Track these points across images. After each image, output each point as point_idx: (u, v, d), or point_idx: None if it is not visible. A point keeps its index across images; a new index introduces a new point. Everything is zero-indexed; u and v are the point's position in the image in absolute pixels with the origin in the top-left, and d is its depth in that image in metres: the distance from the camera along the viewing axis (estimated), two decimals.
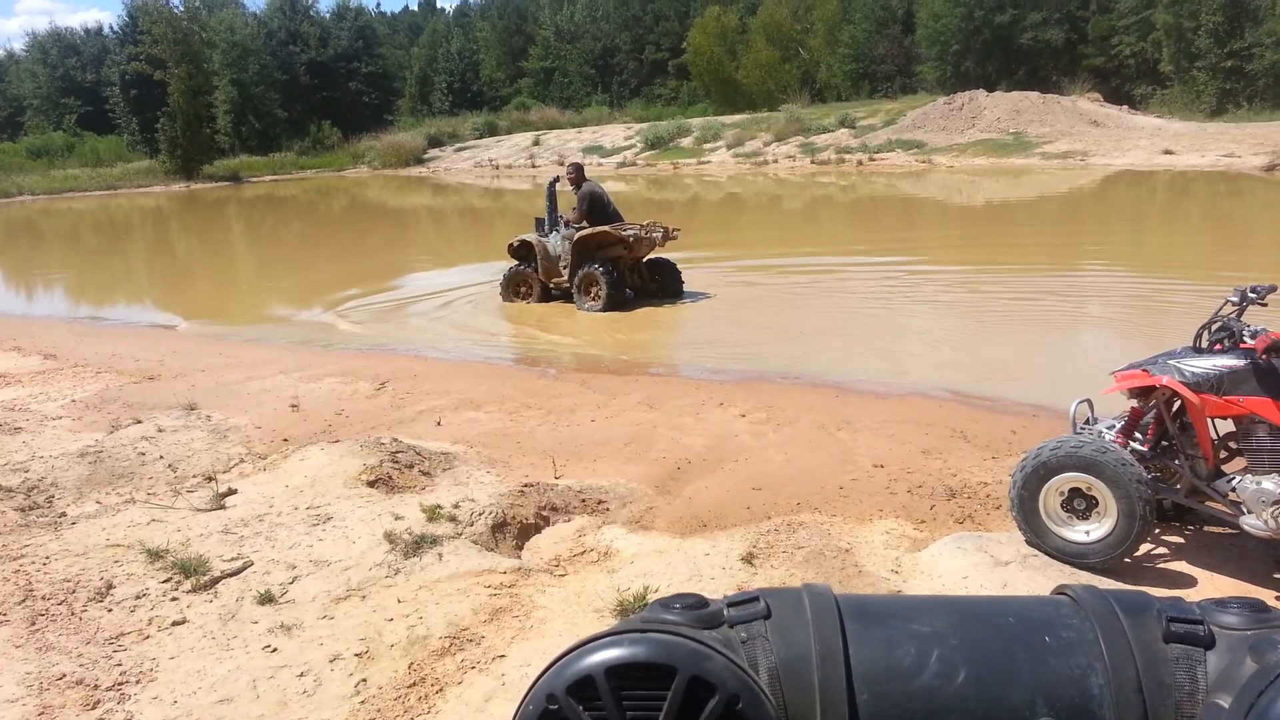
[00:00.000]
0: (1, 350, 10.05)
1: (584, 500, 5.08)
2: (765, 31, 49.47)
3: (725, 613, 0.63)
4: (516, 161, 41.06)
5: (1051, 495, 4.00)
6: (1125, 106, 34.33)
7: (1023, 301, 10.58)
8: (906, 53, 47.57)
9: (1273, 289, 3.97)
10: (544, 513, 4.93)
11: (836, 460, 5.51)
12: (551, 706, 0.56)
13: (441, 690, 3.17)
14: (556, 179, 11.61)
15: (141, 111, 45.59)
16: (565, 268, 10.95)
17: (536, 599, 3.80)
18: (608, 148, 40.03)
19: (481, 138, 47.03)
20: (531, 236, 11.25)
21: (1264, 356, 3.75)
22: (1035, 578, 3.86)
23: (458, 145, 46.12)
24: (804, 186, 27.76)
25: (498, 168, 40.49)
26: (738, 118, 40.65)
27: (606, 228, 10.67)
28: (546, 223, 11.18)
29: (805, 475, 5.27)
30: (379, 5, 76.66)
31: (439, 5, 76.76)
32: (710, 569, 3.99)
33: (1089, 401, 4.41)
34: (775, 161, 33.29)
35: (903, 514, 4.68)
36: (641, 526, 4.69)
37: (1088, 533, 3.94)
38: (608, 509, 4.99)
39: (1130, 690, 0.59)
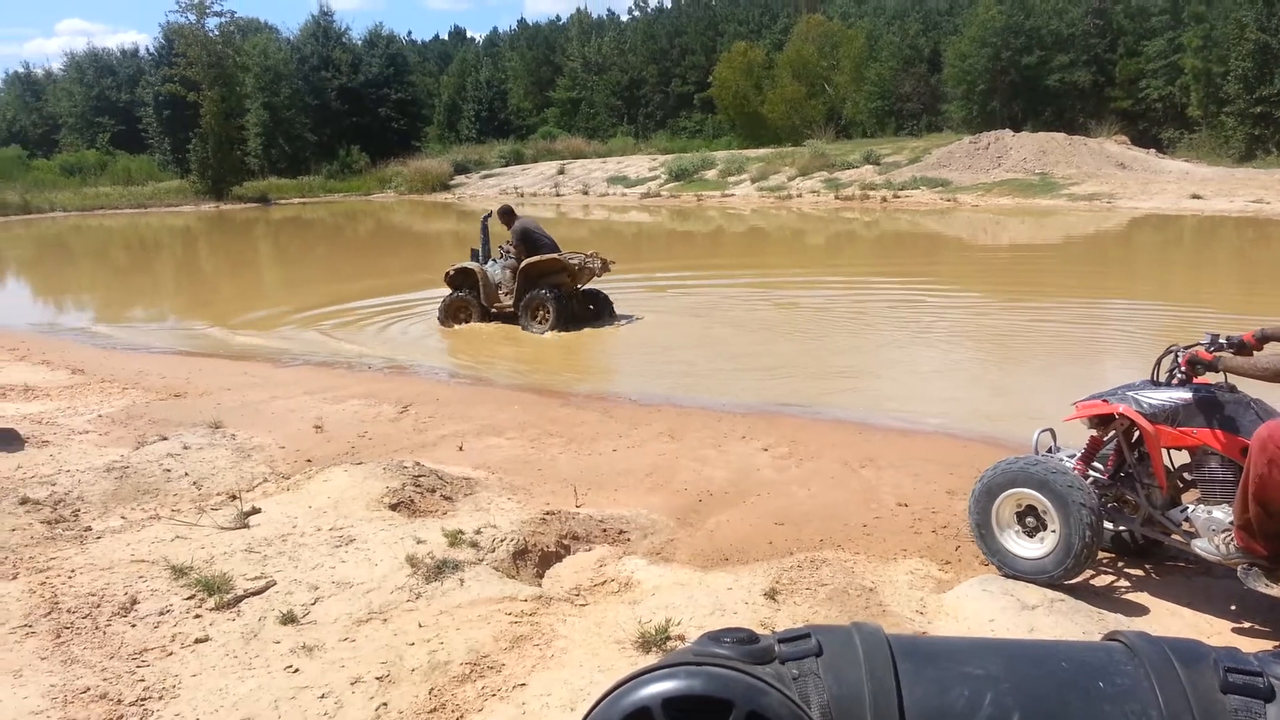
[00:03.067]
0: (30, 364, 10.17)
1: (605, 530, 5.07)
2: (791, 67, 49.76)
3: (776, 648, 0.63)
4: (541, 190, 41.36)
5: (1005, 510, 4.20)
6: (1152, 150, 34.24)
7: (1051, 341, 10.54)
8: (933, 91, 47.75)
9: (1242, 344, 3.98)
10: (565, 541, 4.93)
11: (860, 498, 5.48)
12: None
13: (462, 717, 3.15)
14: (490, 214, 12.44)
15: (174, 132, 46.29)
16: (507, 294, 11.71)
17: (557, 628, 3.79)
18: (632, 178, 40.26)
19: (507, 165, 47.41)
20: (472, 265, 11.89)
21: (1184, 366, 3.97)
22: (1062, 622, 3.82)
23: (484, 172, 46.51)
24: (827, 221, 27.81)
25: (522, 195, 40.76)
26: (762, 151, 40.83)
27: (555, 255, 11.47)
28: (481, 253, 12.02)
29: (828, 512, 5.24)
30: (410, 33, 77.76)
31: (469, 34, 77.82)
32: (733, 603, 3.96)
33: (1051, 431, 4.57)
34: (799, 196, 33.37)
35: (927, 554, 4.65)
36: (663, 558, 4.67)
37: (1033, 549, 4.11)
38: (629, 539, 4.98)
39: None
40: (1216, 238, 21.52)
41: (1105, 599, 4.14)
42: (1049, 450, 4.52)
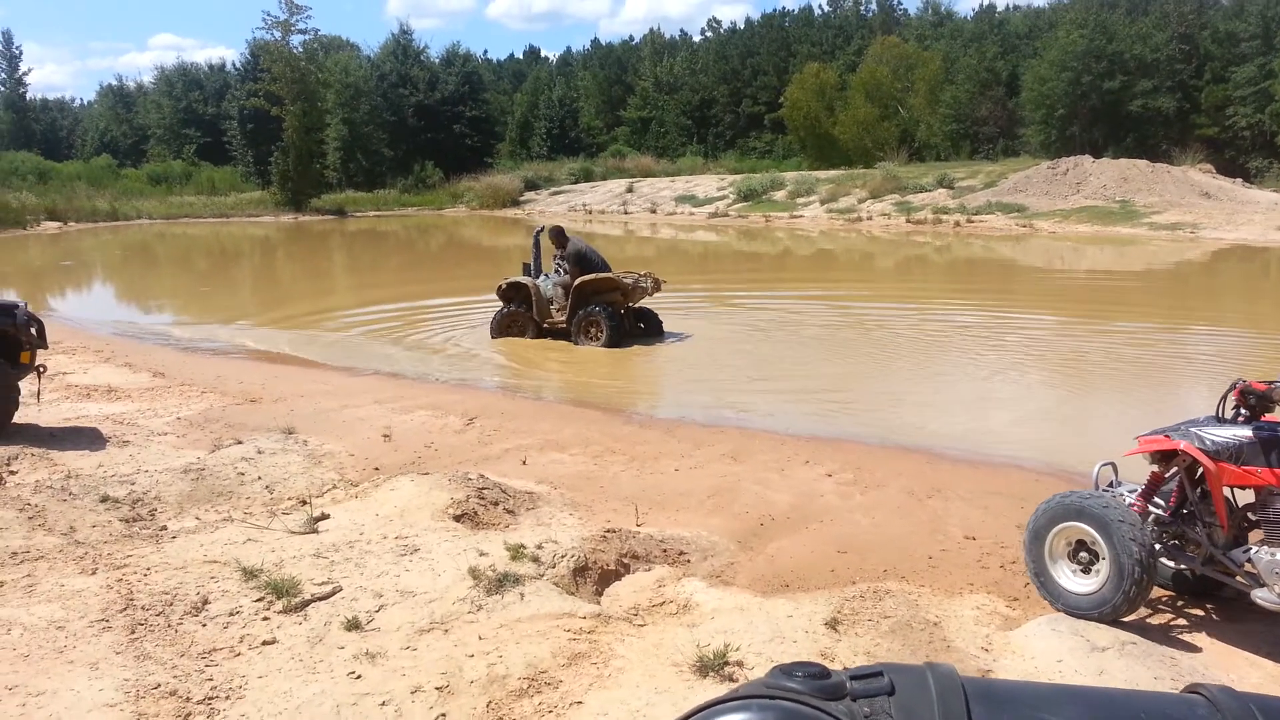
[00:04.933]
0: (114, 366, 10.53)
1: (665, 550, 5.06)
2: (865, 89, 49.39)
3: (848, 685, 0.63)
4: (609, 207, 41.64)
5: (1058, 544, 4.17)
6: (1239, 180, 33.18)
7: (1129, 370, 10.27)
8: (1010, 115, 46.96)
9: None
10: (625, 560, 4.93)
11: (926, 529, 5.39)
12: None
13: None
14: (541, 229, 12.63)
15: (257, 145, 47.75)
16: (559, 309, 11.89)
17: (615, 647, 3.79)
18: (700, 197, 40.32)
19: (577, 183, 47.87)
20: (525, 279, 12.04)
21: (1236, 397, 3.92)
22: (1134, 666, 3.70)
23: (553, 189, 47.02)
24: (898, 244, 27.48)
25: (590, 212, 41.11)
26: (833, 173, 40.57)
27: (610, 274, 11.67)
28: (533, 268, 12.19)
29: (893, 542, 5.16)
30: (486, 52, 79.29)
31: (544, 54, 78.85)
32: (792, 631, 3.92)
33: (1113, 465, 4.49)
34: (869, 219, 33.03)
35: (995, 590, 4.54)
36: (722, 581, 4.65)
37: (1085, 584, 4.07)
38: (689, 561, 4.96)
39: None
40: None
41: (1179, 643, 4.01)
42: (1110, 484, 4.45)
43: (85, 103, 79.14)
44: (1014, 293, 17.57)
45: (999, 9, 60.13)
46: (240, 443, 6.93)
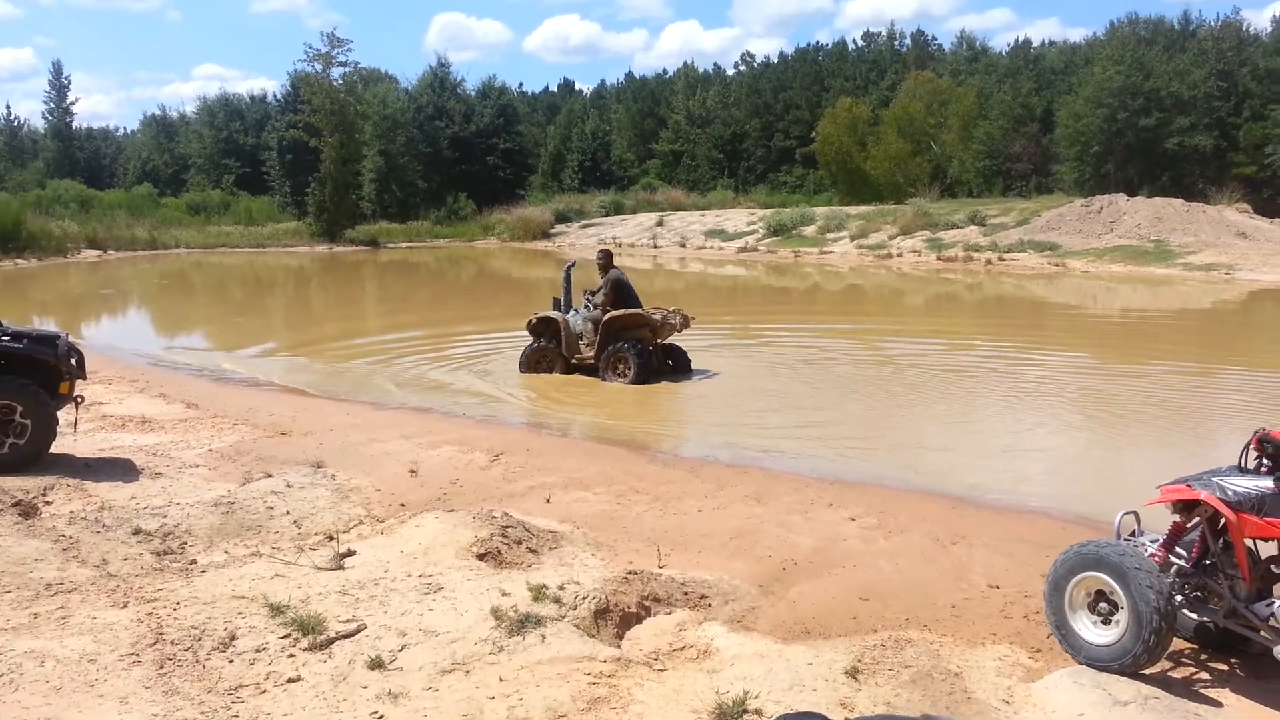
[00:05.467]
0: (149, 396, 10.73)
1: (687, 593, 5.07)
2: (897, 124, 49.40)
3: None
4: (639, 240, 41.86)
5: (1078, 594, 4.16)
6: (1277, 219, 32.80)
7: (1161, 415, 10.16)
8: (1044, 152, 46.73)
9: None
10: (646, 602, 4.95)
11: (949, 576, 5.36)
12: None
13: None
14: (573, 263, 12.83)
15: (294, 175, 48.59)
16: (587, 345, 11.88)
17: (635, 692, 3.81)
18: (730, 231, 40.45)
19: (607, 215, 48.20)
20: (554, 314, 12.08)
21: (1254, 445, 3.89)
22: None
23: (584, 222, 47.36)
24: (927, 282, 27.41)
25: (620, 246, 41.31)
26: (863, 209, 40.57)
27: (639, 310, 11.67)
28: (563, 303, 12.20)
29: (915, 589, 5.14)
30: (521, 85, 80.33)
31: (578, 87, 79.72)
32: (812, 679, 3.92)
33: (1135, 514, 4.46)
34: (899, 255, 32.96)
35: (1017, 640, 4.52)
36: (743, 626, 4.65)
37: (1104, 635, 4.04)
38: (710, 604, 4.97)
39: None
40: None
41: (1202, 698, 3.96)
42: (1132, 534, 4.41)
43: (129, 132, 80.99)
44: (1045, 332, 17.45)
45: (1034, 44, 60.19)
46: (270, 476, 7.04)
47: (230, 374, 12.76)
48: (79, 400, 7.48)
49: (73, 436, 7.64)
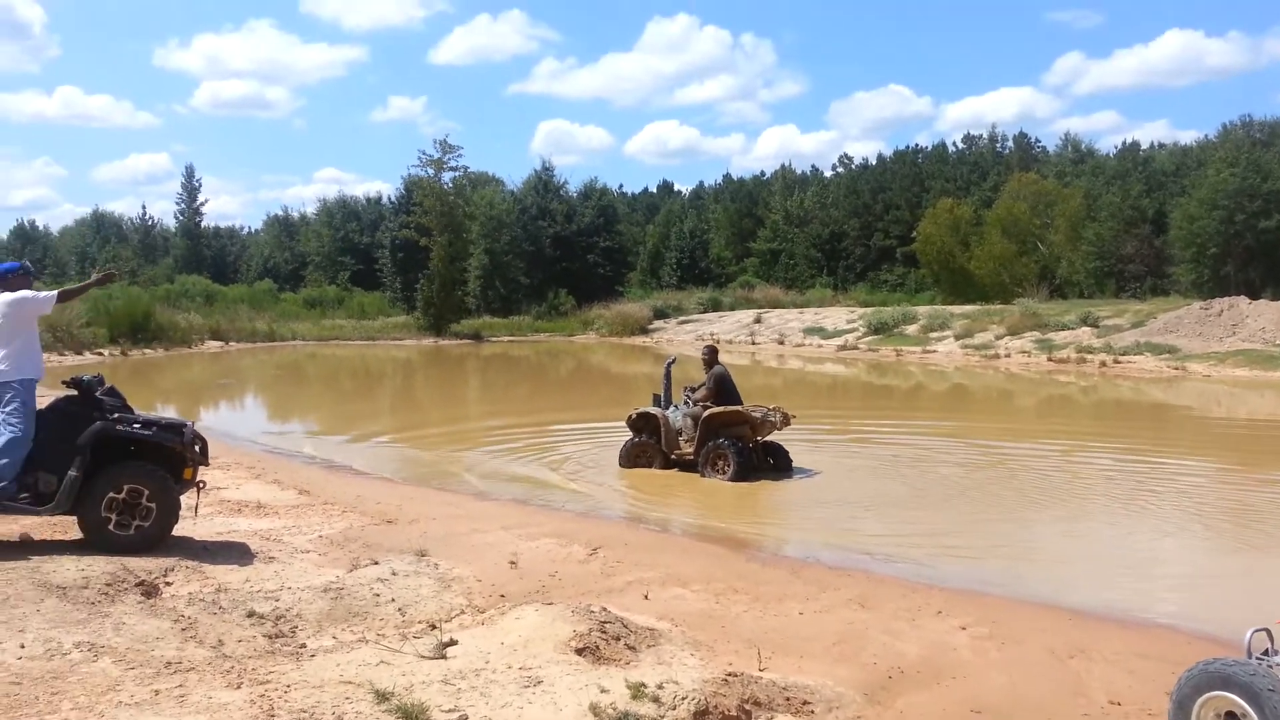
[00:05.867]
0: (263, 482, 11.13)
1: (789, 698, 4.94)
2: (1001, 224, 48.85)
3: None
4: (737, 337, 42.03)
5: (1206, 714, 3.94)
6: None
7: None
8: (1158, 253, 45.39)
9: None
10: (746, 706, 4.83)
11: (1068, 691, 5.10)
12: None
13: None
14: (673, 359, 13.10)
15: (405, 272, 50.76)
16: (687, 441, 11.93)
17: None
18: (829, 329, 40.28)
19: (705, 312, 48.66)
20: (654, 410, 12.17)
21: None
22: None
23: (681, 318, 47.90)
24: (1038, 383, 26.66)
25: (718, 342, 41.59)
26: (968, 308, 39.93)
27: (739, 408, 11.69)
28: (664, 399, 12.30)
29: (1031, 703, 4.91)
30: (622, 186, 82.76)
31: (676, 188, 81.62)
32: None
33: (1268, 630, 4.20)
34: (1007, 356, 32.19)
35: None
36: None
37: None
38: (813, 711, 4.83)
39: None
40: None
41: None
42: (1265, 652, 4.15)
43: (253, 230, 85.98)
44: (1167, 437, 16.71)
45: (1143, 147, 59.18)
46: (376, 563, 7.19)
47: (340, 462, 13.16)
48: (201, 485, 7.81)
49: (193, 520, 7.96)
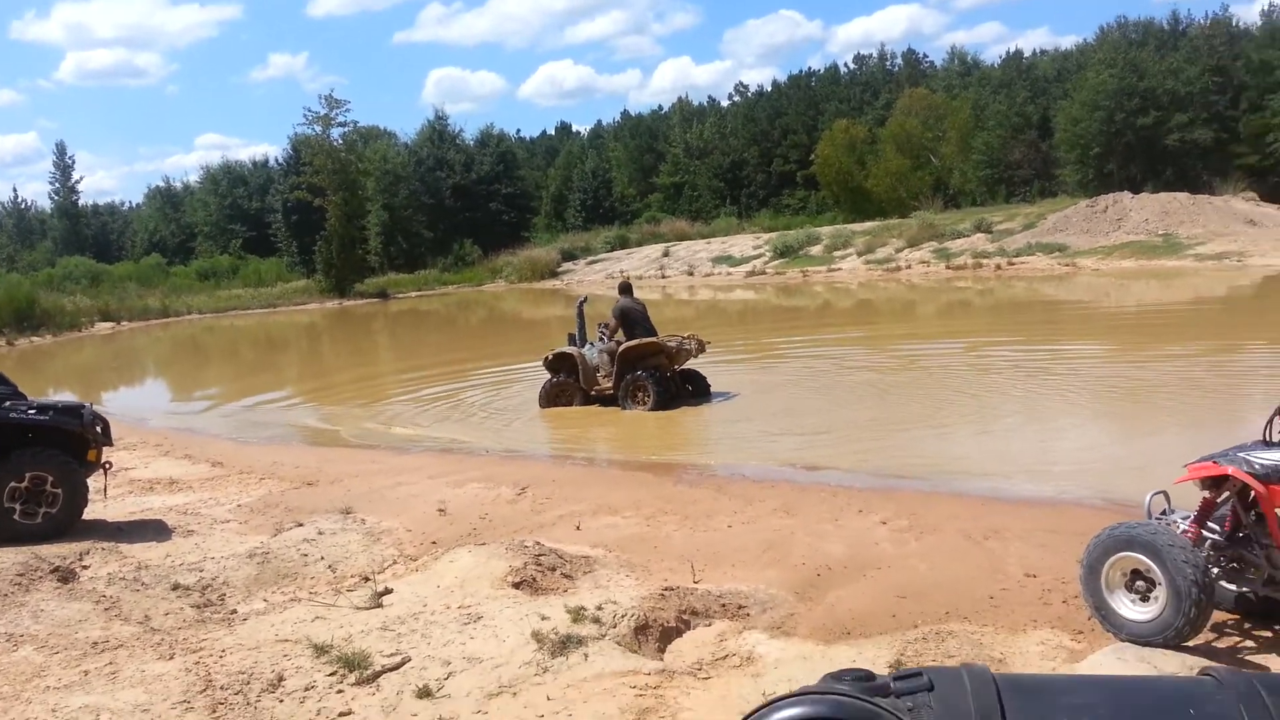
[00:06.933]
0: (173, 458, 10.83)
1: (724, 605, 5.09)
2: (895, 141, 49.73)
3: (892, 685, 0.71)
4: (647, 272, 42.04)
5: (1114, 575, 4.20)
6: None
7: (1185, 398, 10.16)
8: (1044, 157, 46.84)
9: None
10: (684, 616, 4.96)
11: (985, 570, 5.36)
12: None
13: None
14: (585, 299, 13.03)
15: (300, 235, 49.18)
16: (605, 376, 11.98)
17: (682, 701, 3.82)
18: (737, 257, 40.62)
19: (613, 250, 48.50)
20: (570, 349, 12.19)
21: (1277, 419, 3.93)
22: None
23: (590, 258, 47.66)
24: (939, 291, 27.44)
25: (628, 279, 41.59)
26: (868, 225, 40.68)
27: (654, 339, 11.75)
28: (579, 338, 12.29)
29: (952, 584, 5.14)
30: (519, 131, 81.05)
31: (575, 128, 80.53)
32: None
33: (1165, 493, 4.51)
34: (908, 267, 33.02)
35: (1059, 625, 4.51)
36: (783, 632, 4.66)
37: (1144, 612, 4.08)
38: (748, 614, 4.98)
39: None
40: None
41: (1247, 665, 3.95)
42: (1162, 513, 4.47)
43: (134, 205, 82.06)
44: (1063, 328, 17.43)
45: (1026, 55, 60.45)
46: (301, 525, 7.09)
47: (252, 431, 12.85)
48: (107, 466, 7.57)
49: (103, 502, 7.72)
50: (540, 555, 5.89)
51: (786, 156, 58.16)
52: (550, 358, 12.40)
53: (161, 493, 8.93)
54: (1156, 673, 3.77)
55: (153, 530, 7.27)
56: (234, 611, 5.37)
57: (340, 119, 45.48)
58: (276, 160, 60.67)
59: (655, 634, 4.71)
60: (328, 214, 44.00)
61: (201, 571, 6.03)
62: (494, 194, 57.24)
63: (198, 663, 4.46)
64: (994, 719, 0.67)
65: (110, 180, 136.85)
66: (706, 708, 3.74)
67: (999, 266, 30.20)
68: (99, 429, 7.42)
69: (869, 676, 0.72)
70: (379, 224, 52.59)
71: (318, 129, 45.35)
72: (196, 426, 13.77)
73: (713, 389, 12.34)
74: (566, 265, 47.13)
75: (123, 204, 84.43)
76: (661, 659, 4.47)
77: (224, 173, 68.04)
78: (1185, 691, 0.69)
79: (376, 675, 4.15)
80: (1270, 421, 4.03)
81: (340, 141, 46.09)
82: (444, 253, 52.48)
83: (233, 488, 8.99)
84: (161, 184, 76.51)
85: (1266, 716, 0.64)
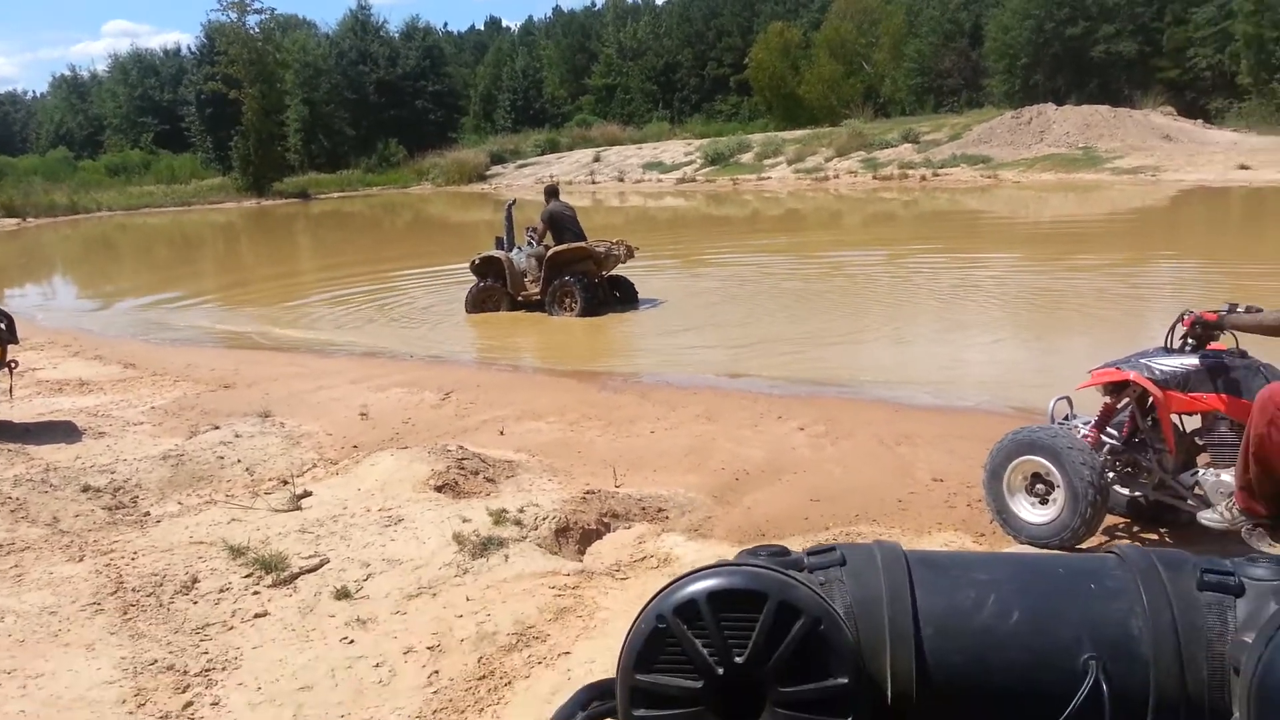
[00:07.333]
0: (83, 359, 10.48)
1: (644, 508, 5.18)
2: (829, 45, 49.29)
3: (806, 560, 0.72)
4: (577, 177, 41.47)
5: (1015, 478, 4.35)
6: (1200, 120, 33.51)
7: (1094, 309, 10.50)
8: (974, 66, 47.07)
9: (1260, 311, 4.01)
10: (605, 519, 5.04)
11: (896, 474, 5.53)
12: (660, 625, 0.66)
13: (510, 683, 3.29)
14: (513, 202, 12.79)
15: (216, 130, 47.14)
16: (532, 281, 11.86)
17: (599, 600, 3.91)
18: (667, 164, 40.24)
19: (543, 154, 47.62)
20: (497, 253, 11.99)
21: (1186, 326, 4.06)
22: None
23: (520, 162, 46.75)
24: (865, 202, 27.64)
25: (558, 184, 40.97)
26: (799, 133, 40.54)
27: (582, 244, 11.59)
28: (506, 242, 12.09)
29: (864, 488, 5.31)
30: (446, 25, 78.32)
31: (505, 24, 77.99)
32: None
33: (1068, 399, 4.65)
34: (836, 177, 33.14)
35: (963, 527, 4.70)
36: (700, 534, 4.77)
37: (1042, 515, 4.25)
38: (667, 517, 5.08)
39: (1166, 631, 0.66)
40: (1265, 208, 21.07)
41: None
42: (1065, 418, 4.60)
43: (38, 94, 77.57)
44: (981, 240, 17.76)
45: None
46: (217, 428, 6.97)
47: (165, 333, 12.49)
48: (13, 366, 7.29)
49: (8, 403, 7.47)
50: (463, 459, 5.89)
51: (720, 60, 57.33)
52: (477, 262, 12.20)
53: (71, 394, 8.66)
54: None
55: (62, 432, 7.07)
56: (147, 514, 5.29)
57: (257, 6, 43.58)
58: (189, 49, 57.65)
59: (576, 536, 4.79)
60: (244, 108, 42.19)
61: (113, 474, 5.91)
62: (420, 91, 55.49)
63: (108, 565, 4.40)
64: (904, 593, 0.69)
65: (11, 67, 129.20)
66: (623, 606, 3.83)
67: (924, 178, 30.49)
68: (3, 326, 7.12)
69: (784, 551, 0.73)
70: (299, 120, 50.66)
71: (233, 16, 43.27)
72: (108, 327, 13.33)
73: (640, 296, 12.35)
74: (495, 169, 46.18)
75: (25, 93, 79.93)
76: (581, 561, 4.55)
77: (134, 62, 64.59)
78: (1087, 567, 0.73)
79: (294, 577, 4.15)
80: (1172, 329, 4.15)
81: (257, 30, 44.03)
82: (368, 152, 50.94)
83: (145, 390, 8.76)
84: (67, 73, 72.54)
85: (1162, 588, 0.68)
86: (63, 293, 19.96)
